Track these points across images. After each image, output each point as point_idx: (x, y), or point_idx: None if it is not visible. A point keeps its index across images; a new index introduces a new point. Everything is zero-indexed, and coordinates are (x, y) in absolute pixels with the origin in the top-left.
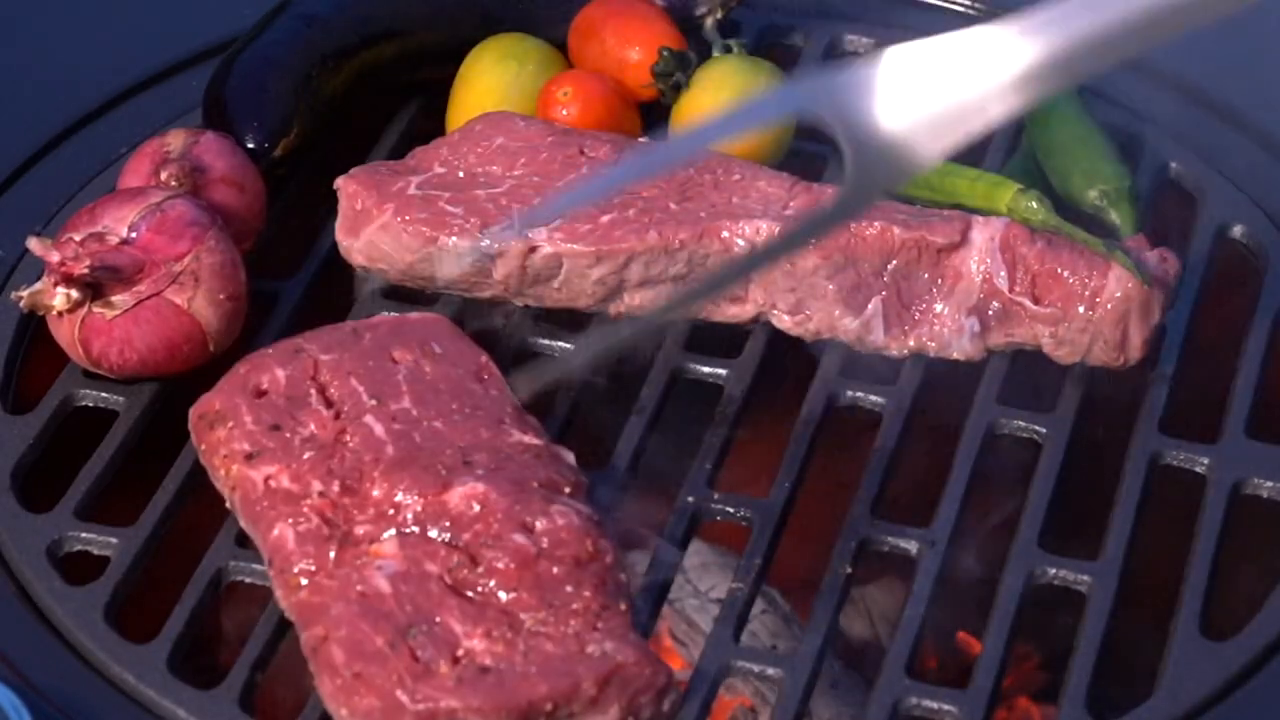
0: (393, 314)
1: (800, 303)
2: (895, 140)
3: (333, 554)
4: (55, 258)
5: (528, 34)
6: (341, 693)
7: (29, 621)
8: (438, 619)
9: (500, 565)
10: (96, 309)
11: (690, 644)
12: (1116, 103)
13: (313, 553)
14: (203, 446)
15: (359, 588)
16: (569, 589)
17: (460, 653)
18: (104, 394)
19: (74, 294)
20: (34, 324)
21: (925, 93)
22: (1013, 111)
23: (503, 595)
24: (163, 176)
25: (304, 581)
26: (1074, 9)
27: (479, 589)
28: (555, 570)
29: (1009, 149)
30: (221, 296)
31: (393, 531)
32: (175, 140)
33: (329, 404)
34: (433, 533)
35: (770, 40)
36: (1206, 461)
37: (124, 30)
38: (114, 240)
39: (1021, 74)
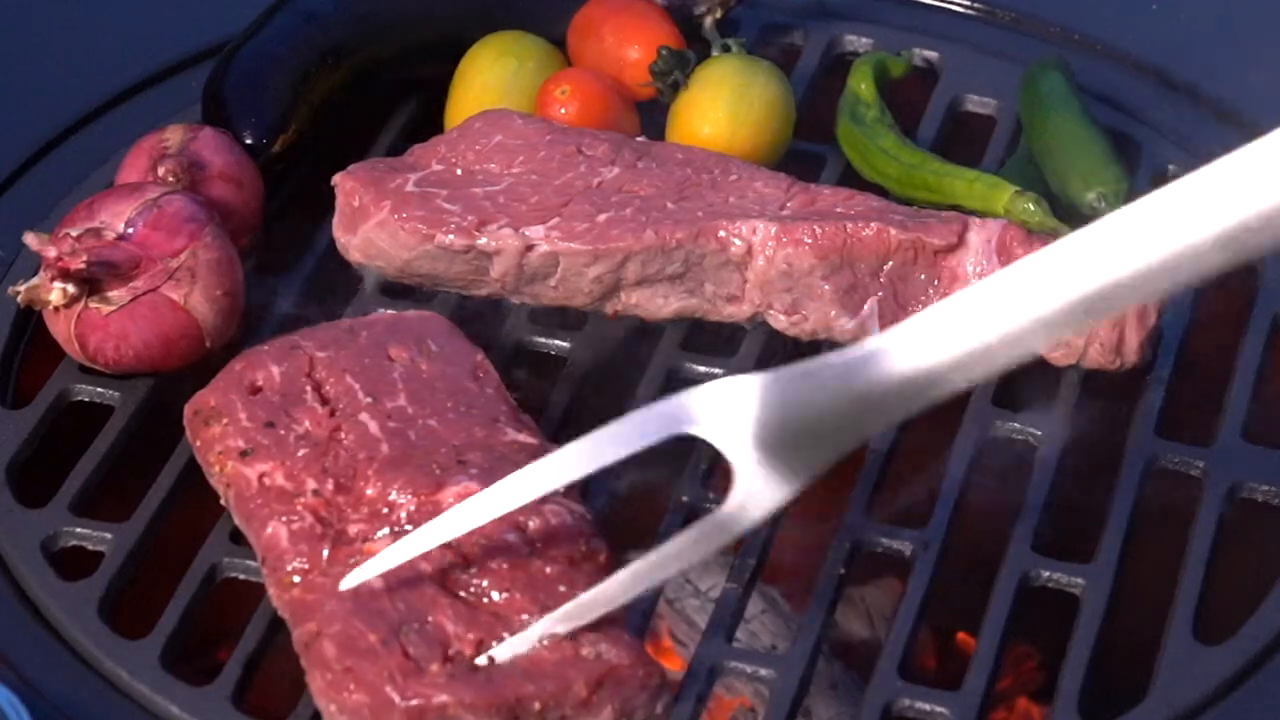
0: (389, 311)
1: (796, 303)
2: (776, 456)
3: (326, 553)
4: (52, 253)
5: (527, 31)
6: (331, 688)
7: (22, 617)
8: (430, 619)
9: (493, 565)
10: (93, 304)
11: (690, 644)
12: (1115, 104)
13: (306, 551)
14: (198, 443)
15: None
16: (562, 589)
17: (452, 652)
18: (99, 389)
19: (70, 289)
20: (31, 319)
21: (798, 411)
22: (889, 425)
23: (495, 595)
24: (160, 172)
25: (297, 580)
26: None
27: (471, 589)
28: (548, 570)
29: (1007, 150)
30: (218, 292)
31: (386, 531)
32: (173, 135)
33: (324, 401)
34: None
35: (770, 40)
36: (1202, 465)
37: (124, 30)
38: (111, 236)
39: (892, 393)
